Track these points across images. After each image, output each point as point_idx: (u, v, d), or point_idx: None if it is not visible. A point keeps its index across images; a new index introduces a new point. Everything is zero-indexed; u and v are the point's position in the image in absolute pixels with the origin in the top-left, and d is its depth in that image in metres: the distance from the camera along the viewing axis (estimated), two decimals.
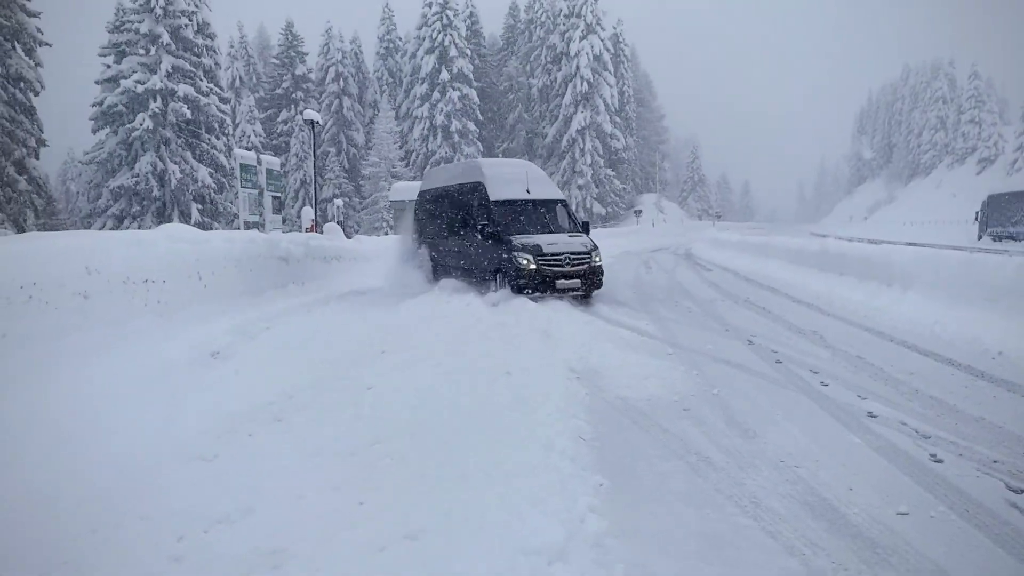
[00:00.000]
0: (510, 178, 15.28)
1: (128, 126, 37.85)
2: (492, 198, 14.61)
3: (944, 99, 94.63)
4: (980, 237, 42.42)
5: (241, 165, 23.39)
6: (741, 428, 6.27)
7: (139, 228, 35.04)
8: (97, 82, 39.03)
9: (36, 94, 30.66)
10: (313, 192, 29.29)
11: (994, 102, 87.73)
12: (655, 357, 9.01)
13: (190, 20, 39.53)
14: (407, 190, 29.38)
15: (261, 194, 24.65)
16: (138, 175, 37.52)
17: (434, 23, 66.40)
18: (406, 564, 3.61)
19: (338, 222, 38.41)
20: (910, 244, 22.07)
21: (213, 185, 39.62)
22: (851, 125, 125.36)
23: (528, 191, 15.02)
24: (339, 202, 47.15)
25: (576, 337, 9.69)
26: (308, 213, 27.62)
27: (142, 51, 38.79)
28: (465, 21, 71.71)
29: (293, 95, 68.39)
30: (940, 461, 5.34)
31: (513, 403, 6.21)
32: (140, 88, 37.52)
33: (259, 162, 24.95)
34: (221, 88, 42.66)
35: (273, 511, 4.26)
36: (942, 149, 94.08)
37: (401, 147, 65.46)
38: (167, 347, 8.86)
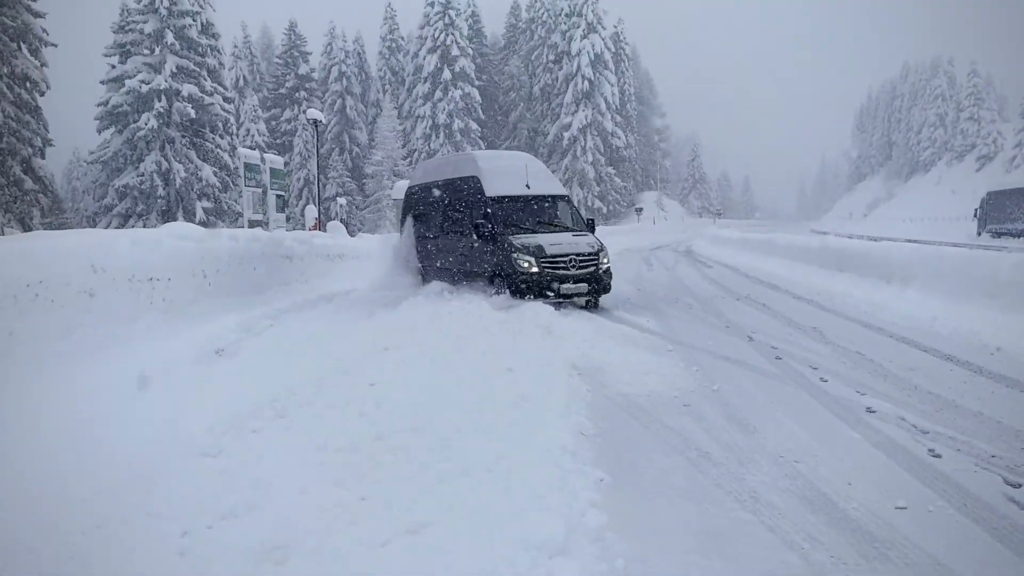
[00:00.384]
0: (508, 172, 14.06)
1: (133, 126, 38.00)
2: (488, 194, 13.38)
3: (943, 97, 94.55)
4: (979, 234, 42.42)
5: (245, 164, 23.48)
6: (741, 424, 6.31)
7: (144, 227, 35.14)
8: (102, 82, 39.21)
9: (42, 94, 30.74)
10: (316, 191, 29.35)
11: (993, 99, 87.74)
12: (656, 353, 9.06)
13: (194, 20, 39.64)
14: None
15: (265, 193, 24.73)
16: (143, 174, 37.64)
17: (436, 22, 66.47)
18: (408, 558, 3.66)
19: (341, 220, 38.53)
20: (909, 241, 22.07)
21: (217, 184, 39.72)
22: (851, 122, 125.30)
23: (528, 186, 13.75)
24: (342, 200, 47.26)
25: (577, 334, 9.72)
26: (312, 211, 27.74)
27: (147, 51, 38.93)
28: (467, 20, 71.77)
29: (296, 94, 68.53)
30: (938, 456, 5.37)
31: (515, 399, 6.25)
32: (145, 88, 37.65)
33: (263, 161, 25.04)
34: (225, 88, 42.77)
35: (277, 506, 4.30)
36: (941, 146, 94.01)
37: (404, 146, 65.53)
38: (172, 344, 8.93)
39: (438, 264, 15.18)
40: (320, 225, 27.31)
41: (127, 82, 37.77)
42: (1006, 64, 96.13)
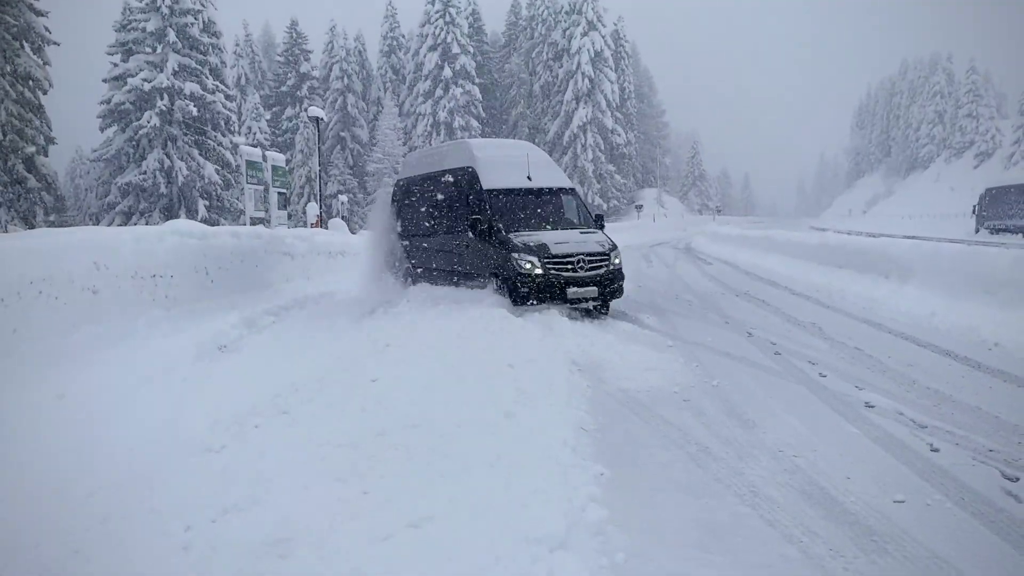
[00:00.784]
0: (507, 162, 12.77)
1: (135, 124, 38.07)
2: (486, 186, 12.11)
3: (942, 93, 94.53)
4: (977, 230, 42.45)
5: (247, 162, 23.53)
6: (740, 419, 6.35)
7: (147, 224, 35.19)
8: (104, 80, 39.28)
9: (44, 92, 30.78)
10: (318, 188, 29.37)
11: (991, 96, 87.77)
12: (656, 349, 9.10)
13: (196, 19, 39.68)
14: None
15: (267, 190, 24.77)
16: (145, 172, 37.70)
17: (437, 20, 66.49)
18: (410, 552, 3.69)
19: (343, 218, 38.57)
20: (908, 237, 22.09)
21: (219, 182, 39.78)
22: (850, 119, 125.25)
23: (529, 178, 12.51)
24: (344, 198, 47.32)
25: (577, 330, 9.77)
26: (313, 209, 27.77)
27: (149, 49, 38.96)
28: (467, 18, 71.78)
29: (298, 92, 68.61)
30: (937, 450, 5.41)
31: (515, 395, 6.29)
32: (147, 86, 37.71)
33: (265, 159, 25.08)
34: (227, 86, 42.82)
35: (279, 501, 4.34)
36: (940, 143, 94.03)
37: (405, 143, 65.57)
38: (175, 341, 8.97)
39: (429, 265, 13.96)
40: (321, 222, 27.35)
41: (129, 80, 37.83)
42: (1005, 61, 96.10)
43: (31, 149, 29.41)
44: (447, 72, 66.15)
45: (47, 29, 31.17)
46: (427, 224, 13.98)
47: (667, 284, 17.12)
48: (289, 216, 27.88)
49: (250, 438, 5.57)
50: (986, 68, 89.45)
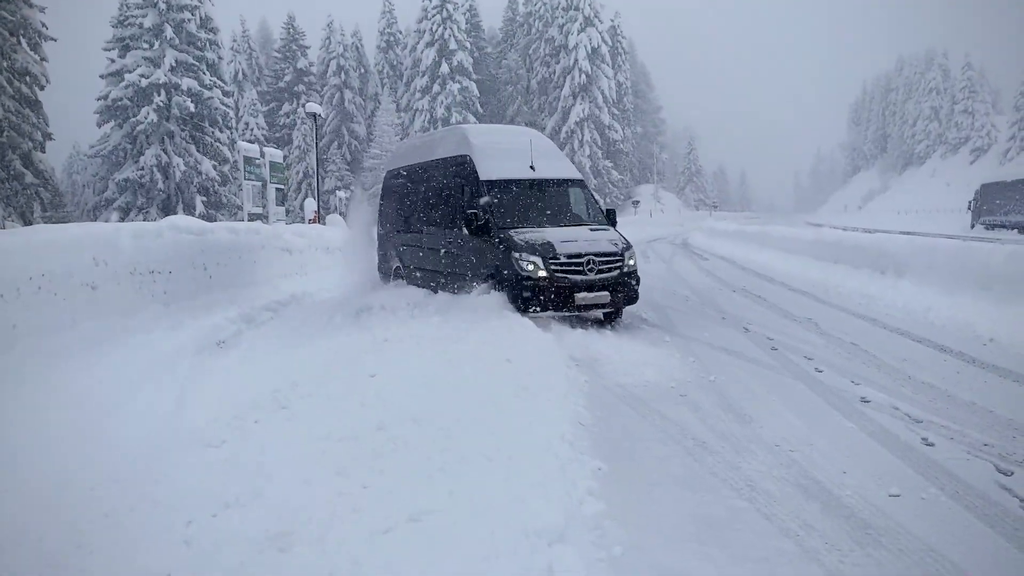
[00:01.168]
0: (507, 150, 11.58)
1: (133, 120, 38.06)
2: (483, 177, 10.94)
3: (938, 89, 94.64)
4: (973, 226, 42.63)
5: (245, 158, 23.52)
6: (737, 413, 6.39)
7: (144, 220, 35.16)
8: (102, 76, 39.26)
9: (42, 88, 30.74)
10: (316, 184, 29.35)
11: (987, 92, 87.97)
12: (653, 345, 9.14)
13: (193, 14, 39.64)
14: None
15: (264, 186, 24.77)
16: (143, 168, 37.69)
17: (434, 16, 66.41)
18: (410, 545, 3.71)
19: (340, 213, 38.54)
20: (904, 233, 22.17)
21: (217, 177, 39.77)
22: (846, 115, 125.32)
23: (532, 167, 11.32)
24: (342, 194, 47.29)
25: (574, 325, 9.82)
26: (311, 205, 27.75)
27: (146, 45, 38.90)
28: (465, 15, 71.73)
29: (295, 88, 68.54)
30: (932, 445, 5.45)
31: (514, 390, 6.31)
32: (144, 82, 37.70)
33: (262, 155, 25.08)
34: (224, 82, 42.79)
35: (280, 495, 4.36)
36: (936, 139, 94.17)
37: (402, 139, 65.51)
38: (174, 336, 9.00)
39: (419, 266, 12.81)
40: (319, 218, 27.34)
41: (126, 76, 37.82)
42: (1000, 57, 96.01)
43: (28, 145, 29.38)
44: (444, 68, 66.10)
45: (44, 25, 31.12)
46: (418, 220, 12.85)
47: (664, 280, 17.15)
48: (287, 212, 27.87)
49: (250, 433, 5.59)
50: (982, 64, 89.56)
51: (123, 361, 7.67)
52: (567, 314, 10.07)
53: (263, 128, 61.07)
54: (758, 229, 25.88)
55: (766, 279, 16.46)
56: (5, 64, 28.81)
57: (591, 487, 4.56)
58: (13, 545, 3.87)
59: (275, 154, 26.04)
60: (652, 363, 8.14)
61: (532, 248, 9.94)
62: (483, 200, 10.67)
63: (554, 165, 11.82)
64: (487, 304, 9.77)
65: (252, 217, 23.71)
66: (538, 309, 9.74)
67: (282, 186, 26.30)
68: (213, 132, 40.35)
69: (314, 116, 27.29)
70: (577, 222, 11.24)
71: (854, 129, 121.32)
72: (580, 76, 68.51)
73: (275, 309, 12.13)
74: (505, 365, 7.15)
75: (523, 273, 9.83)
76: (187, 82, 38.43)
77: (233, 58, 67.94)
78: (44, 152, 31.20)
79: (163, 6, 38.52)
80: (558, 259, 9.85)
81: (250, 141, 43.06)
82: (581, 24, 68.98)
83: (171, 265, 10.78)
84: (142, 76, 37.85)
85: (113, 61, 39.35)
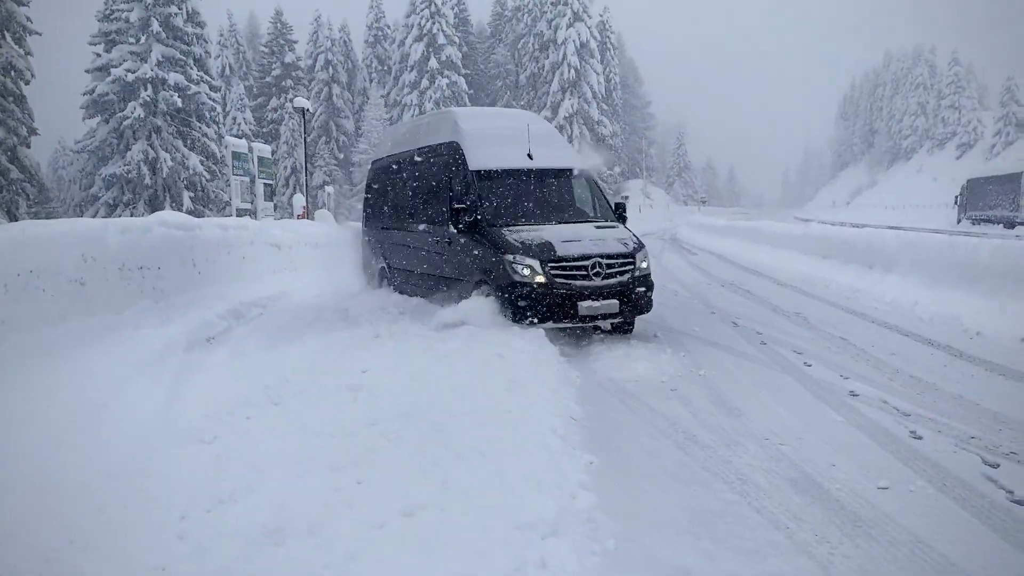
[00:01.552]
0: (501, 136, 10.48)
1: (119, 115, 37.75)
2: (473, 166, 9.89)
3: (925, 85, 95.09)
4: (959, 221, 42.97)
5: (233, 153, 23.43)
6: (727, 407, 6.45)
7: (131, 216, 34.99)
8: (87, 71, 38.89)
9: (27, 83, 30.51)
10: (305, 179, 29.28)
11: (974, 88, 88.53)
12: (643, 339, 9.20)
13: (180, 8, 39.34)
14: None
15: (253, 181, 24.69)
16: (130, 163, 37.41)
17: (422, 11, 66.19)
18: (404, 539, 3.73)
19: (329, 209, 38.46)
20: (891, 228, 22.34)
21: (204, 173, 39.53)
22: (834, 111, 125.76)
23: (530, 156, 10.15)
24: (330, 189, 47.19)
25: None
26: (299, 200, 27.67)
27: (132, 40, 38.61)
28: (453, 9, 71.51)
29: (283, 83, 68.23)
30: (919, 437, 5.52)
31: (505, 384, 6.33)
32: (131, 77, 37.39)
33: (250, 150, 24.99)
34: (211, 76, 42.52)
35: (273, 490, 4.37)
36: (923, 134, 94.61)
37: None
38: (164, 332, 8.96)
39: (405, 267, 11.83)
40: (308, 214, 27.28)
41: (113, 71, 37.48)
42: (987, 53, 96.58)
43: (13, 140, 29.17)
44: (433, 63, 65.91)
45: (28, 19, 30.88)
46: (404, 216, 11.84)
47: (654, 275, 17.16)
48: (275, 207, 27.82)
49: (242, 429, 5.58)
50: (968, 60, 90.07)
51: (112, 357, 7.63)
52: (569, 326, 9.08)
53: (250, 123, 60.79)
54: (746, 224, 26.00)
55: (755, 274, 16.54)
56: None
57: (583, 481, 4.60)
58: (7, 540, 3.86)
59: (263, 149, 25.95)
60: (642, 357, 8.18)
61: (528, 249, 8.83)
62: (471, 194, 9.74)
63: (554, 153, 10.62)
64: (472, 316, 8.83)
65: (240, 212, 23.63)
66: (535, 320, 8.64)
67: (271, 181, 26.23)
68: (200, 127, 40.11)
69: (303, 111, 27.25)
70: (581, 218, 10.17)
71: (842, 124, 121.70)
72: (569, 71, 68.48)
73: (264, 305, 12.09)
74: (496, 360, 7.17)
75: (517, 278, 8.70)
76: (174, 77, 38.16)
77: (220, 53, 67.57)
78: (29, 148, 30.98)
79: (149, 0, 38.26)
80: (558, 262, 8.74)
81: (238, 136, 42.84)
82: (570, 19, 68.92)
83: (160, 261, 10.72)
84: (128, 71, 37.54)
85: (99, 55, 39.01)
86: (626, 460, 5.28)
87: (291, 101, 45.19)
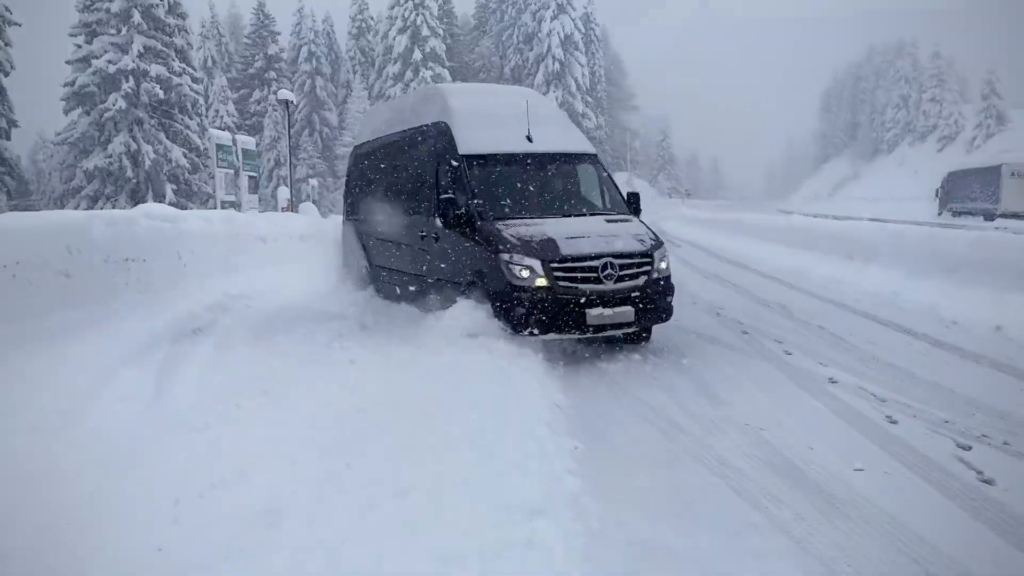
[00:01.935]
0: (496, 115, 9.27)
1: (100, 106, 37.46)
2: (463, 150, 8.67)
3: (907, 78, 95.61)
4: (940, 213, 43.38)
5: (218, 145, 23.37)
6: (709, 395, 6.58)
7: (113, 209, 34.77)
8: (68, 62, 38.55)
9: (6, 75, 30.29)
10: (289, 172, 29.20)
11: (955, 81, 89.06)
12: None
13: (161, 0, 39.10)
14: None
15: (237, 174, 24.64)
16: (111, 156, 37.14)
17: (406, 2, 65.95)
18: (397, 519, 3.82)
19: (313, 201, 38.37)
20: (873, 220, 22.57)
21: (187, 165, 39.32)
22: (817, 103, 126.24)
23: (530, 138, 8.94)
24: (314, 182, 47.01)
25: None
26: (284, 193, 27.64)
27: (113, 31, 38.28)
28: (437, 0, 71.36)
29: (265, 75, 67.78)
30: (895, 422, 5.67)
31: (491, 373, 6.42)
32: (112, 68, 37.09)
33: (234, 142, 24.93)
34: (194, 68, 42.24)
35: (265, 475, 4.45)
36: (904, 127, 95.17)
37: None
38: (149, 324, 8.99)
39: (389, 266, 10.71)
40: (292, 207, 27.25)
41: (93, 62, 37.18)
42: (968, 46, 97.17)
43: None
44: (417, 55, 65.72)
45: (8, 9, 30.63)
46: (385, 208, 10.65)
47: None
48: (259, 200, 27.76)
49: (232, 417, 5.65)
50: (950, 54, 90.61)
51: (99, 348, 7.66)
52: (575, 337, 7.88)
53: (233, 115, 60.44)
54: (730, 217, 26.23)
55: (738, 265, 16.70)
56: None
57: (569, 466, 4.70)
58: (5, 520, 3.92)
59: (247, 141, 25.91)
60: (627, 347, 8.30)
61: (527, 247, 7.62)
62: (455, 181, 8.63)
63: (558, 134, 9.40)
64: (459, 327, 7.69)
65: (225, 205, 23.59)
66: (536, 331, 7.48)
67: (255, 174, 26.19)
68: (183, 119, 39.88)
69: (287, 103, 27.14)
70: (588, 210, 9.04)
71: (825, 117, 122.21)
72: (553, 64, 68.55)
73: (250, 297, 12.11)
74: (482, 350, 7.27)
75: (515, 282, 7.51)
76: (156, 68, 37.89)
77: (202, 44, 67.01)
78: (9, 139, 30.76)
79: None
80: (563, 262, 7.54)
81: (220, 128, 42.61)
82: (554, 11, 68.98)
83: (145, 253, 10.71)
84: (109, 62, 37.24)
85: (80, 47, 38.67)
86: (610, 446, 5.40)
87: (275, 93, 45.05)
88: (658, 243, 8.26)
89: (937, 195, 46.24)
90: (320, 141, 67.29)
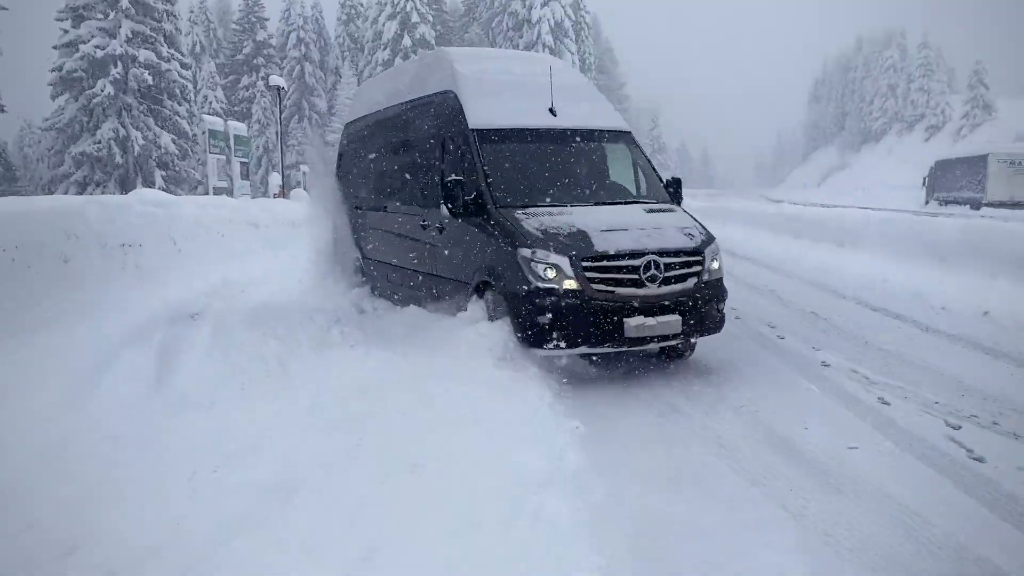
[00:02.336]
0: (513, 84, 7.84)
1: (88, 92, 37.14)
2: (474, 124, 7.25)
3: (895, 68, 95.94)
4: (927, 202, 43.67)
5: (210, 131, 23.33)
6: (704, 378, 6.72)
7: (103, 195, 34.61)
8: (55, 47, 38.19)
9: None
10: (280, 158, 29.16)
11: (942, 71, 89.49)
12: None
13: None
14: None
15: (229, 160, 24.61)
16: (100, 142, 36.88)
17: None
18: (409, 491, 3.96)
19: (304, 188, 38.32)
20: (861, 208, 22.78)
21: (176, 152, 39.09)
22: (806, 93, 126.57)
23: (552, 111, 7.58)
24: (305, 168, 46.88)
25: None
26: (275, 179, 27.63)
27: (100, 15, 37.95)
28: None
29: (254, 61, 67.41)
30: (887, 403, 5.82)
31: (493, 360, 6.47)
32: (100, 53, 36.78)
33: (227, 128, 24.89)
34: (182, 54, 41.94)
35: (277, 450, 4.56)
36: (892, 117, 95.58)
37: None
38: (147, 308, 9.03)
39: (386, 260, 9.34)
40: (283, 192, 27.25)
41: (81, 47, 36.84)
42: (956, 36, 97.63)
43: None
44: (407, 41, 65.50)
45: None
46: (381, 193, 9.47)
47: None
48: (250, 186, 27.73)
49: (238, 396, 5.76)
50: (938, 43, 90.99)
51: (98, 332, 7.71)
52: (610, 351, 6.66)
53: (222, 101, 60.16)
54: (720, 205, 26.35)
55: (729, 253, 16.71)
56: None
57: (571, 443, 4.82)
58: (29, 493, 4.02)
59: (239, 127, 25.88)
60: None
61: (553, 241, 6.33)
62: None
63: (586, 108, 7.98)
64: (464, 342, 6.56)
65: (217, 191, 23.57)
66: (563, 344, 6.24)
67: (247, 160, 26.16)
68: (172, 105, 39.63)
69: (277, 89, 27.11)
70: (624, 197, 7.70)
71: (814, 107, 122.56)
72: (543, 51, 68.41)
73: (245, 283, 12.16)
74: (483, 339, 7.35)
75: (538, 284, 6.24)
76: (144, 54, 37.61)
77: (191, 29, 66.64)
78: None
79: None
80: (597, 260, 6.27)
81: (209, 114, 42.43)
82: None
83: (141, 239, 10.77)
84: (97, 47, 36.93)
85: (66, 32, 38.32)
86: (611, 426, 5.52)
87: (264, 79, 44.87)
88: (709, 238, 7.03)
89: (924, 184, 46.55)
90: (309, 127, 67.04)
